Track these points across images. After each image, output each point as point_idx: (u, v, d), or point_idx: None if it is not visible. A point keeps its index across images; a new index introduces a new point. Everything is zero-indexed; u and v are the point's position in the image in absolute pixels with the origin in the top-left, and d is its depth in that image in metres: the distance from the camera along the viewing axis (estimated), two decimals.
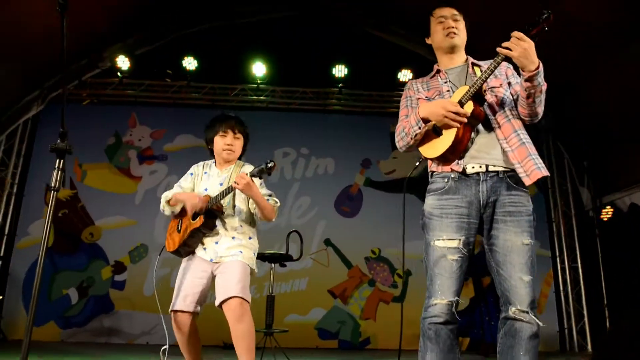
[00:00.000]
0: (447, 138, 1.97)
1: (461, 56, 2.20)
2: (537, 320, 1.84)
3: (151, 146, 6.95)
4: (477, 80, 1.95)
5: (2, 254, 6.37)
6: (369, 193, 6.84)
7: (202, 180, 2.71)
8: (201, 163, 2.82)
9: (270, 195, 2.63)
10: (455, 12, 2.16)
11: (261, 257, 4.04)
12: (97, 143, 6.89)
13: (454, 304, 1.91)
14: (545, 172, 1.93)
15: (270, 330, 3.89)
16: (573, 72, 5.69)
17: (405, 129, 2.10)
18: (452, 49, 2.16)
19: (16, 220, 6.57)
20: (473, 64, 2.14)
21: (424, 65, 6.68)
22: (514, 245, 1.89)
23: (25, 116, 6.51)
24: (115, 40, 6.69)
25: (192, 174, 2.77)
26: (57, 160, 2.02)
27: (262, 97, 7.08)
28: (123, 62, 6.71)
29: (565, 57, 5.52)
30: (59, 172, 2.03)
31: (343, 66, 6.82)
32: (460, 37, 2.15)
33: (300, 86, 7.07)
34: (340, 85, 6.95)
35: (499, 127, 2.00)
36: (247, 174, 2.42)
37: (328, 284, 6.45)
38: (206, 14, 6.84)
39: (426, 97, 2.16)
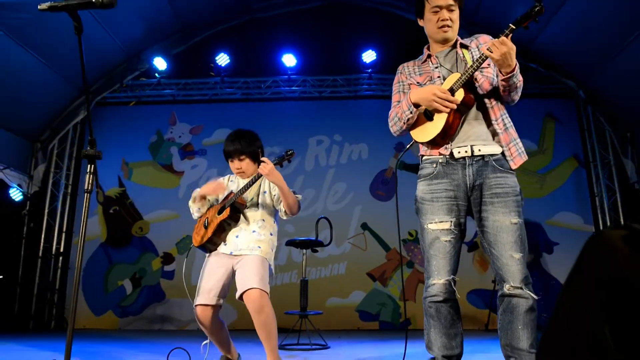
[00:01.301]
0: (437, 123, 2.06)
1: (451, 42, 2.23)
2: (532, 295, 1.92)
3: (191, 142, 7.24)
4: (469, 68, 2.01)
5: (62, 250, 6.87)
6: (404, 176, 6.87)
7: (229, 188, 2.83)
8: (227, 175, 2.95)
9: (292, 192, 2.71)
10: (452, 1, 2.13)
11: (292, 243, 4.20)
12: (141, 142, 7.25)
13: (451, 282, 2.02)
14: (525, 158, 2.08)
15: (304, 313, 4.05)
16: (612, 40, 5.50)
17: (398, 114, 2.19)
18: (445, 41, 2.21)
19: (72, 218, 7.06)
20: (462, 45, 2.19)
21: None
22: (503, 224, 1.97)
23: (74, 121, 6.96)
24: (151, 42, 7.00)
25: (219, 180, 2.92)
26: (89, 166, 2.19)
27: (293, 88, 7.22)
28: (160, 63, 7.03)
29: (606, 25, 5.36)
30: (90, 176, 2.21)
31: (372, 52, 6.86)
32: (454, 28, 2.18)
33: (330, 74, 7.16)
34: (369, 70, 6.99)
35: (491, 108, 2.08)
36: (271, 162, 2.54)
37: (367, 267, 6.57)
38: (234, 10, 7.04)
39: (417, 82, 2.23)
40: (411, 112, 2.12)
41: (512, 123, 2.14)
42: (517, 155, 2.07)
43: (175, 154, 7.22)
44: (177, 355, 3.00)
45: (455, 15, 2.17)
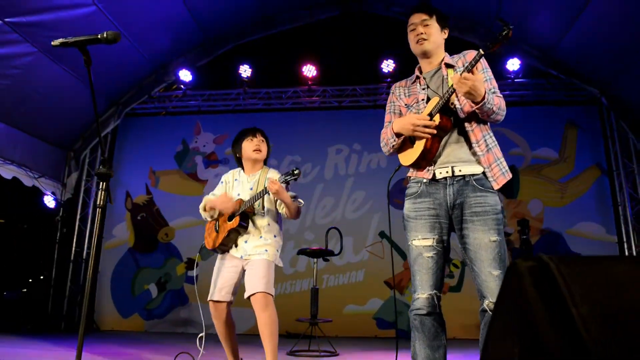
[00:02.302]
0: (417, 148, 2.16)
1: (438, 57, 2.30)
2: None
3: (214, 151, 7.48)
4: (444, 93, 2.10)
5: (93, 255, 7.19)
6: None
7: (234, 187, 3.03)
8: (230, 172, 3.15)
9: (295, 197, 2.91)
10: (425, 16, 2.22)
11: (304, 252, 4.33)
12: (167, 151, 7.54)
13: (434, 297, 2.10)
14: (508, 177, 2.14)
15: (314, 320, 4.17)
16: (635, 46, 5.42)
17: (385, 139, 2.30)
18: (424, 54, 2.30)
19: (102, 224, 7.40)
20: (447, 65, 2.27)
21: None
22: (482, 242, 2.04)
23: (104, 131, 7.30)
24: (177, 55, 7.28)
25: (222, 182, 3.11)
26: (101, 183, 2.37)
27: (313, 98, 7.37)
28: (185, 75, 7.30)
29: (629, 30, 5.29)
30: (102, 192, 2.38)
31: (391, 61, 6.94)
32: (431, 41, 2.24)
33: (349, 84, 7.27)
34: (389, 80, 7.07)
35: (472, 130, 2.15)
36: (277, 180, 2.71)
37: (384, 275, 6.63)
38: (257, 23, 7.25)
39: (405, 104, 2.33)
40: (394, 140, 2.25)
41: (496, 142, 2.20)
42: (500, 175, 2.13)
43: (200, 162, 7.48)
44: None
45: (432, 29, 2.24)
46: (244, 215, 2.86)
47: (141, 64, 7.03)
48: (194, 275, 6.51)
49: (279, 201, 2.90)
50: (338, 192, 7.07)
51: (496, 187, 2.11)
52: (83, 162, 7.37)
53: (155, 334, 6.47)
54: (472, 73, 2.03)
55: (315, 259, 4.48)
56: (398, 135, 2.24)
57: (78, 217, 7.22)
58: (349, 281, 6.69)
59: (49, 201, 6.82)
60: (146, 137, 7.63)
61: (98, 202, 2.47)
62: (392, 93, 2.45)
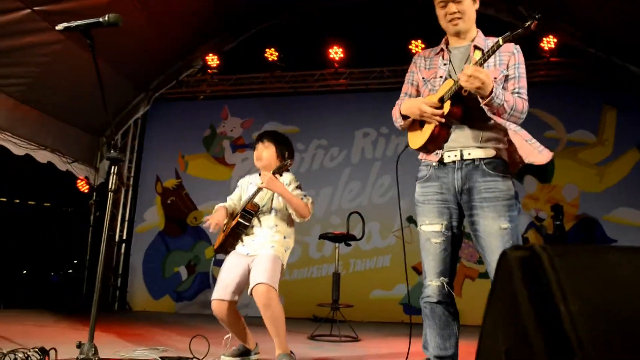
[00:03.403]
0: (425, 133, 2.06)
1: (469, 34, 2.17)
2: None
3: (242, 135, 7.51)
4: (454, 83, 1.98)
5: (124, 237, 7.40)
6: None
7: (248, 190, 2.99)
8: (247, 176, 3.10)
9: (304, 195, 2.82)
10: None
11: (325, 237, 4.30)
12: (195, 136, 7.62)
13: (444, 284, 2.02)
14: (547, 155, 1.92)
15: (336, 305, 4.15)
16: None
17: (394, 117, 2.21)
18: (457, 34, 2.18)
19: (134, 208, 7.57)
20: (476, 47, 2.13)
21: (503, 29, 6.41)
22: (492, 230, 1.94)
23: (134, 116, 7.43)
24: (202, 41, 7.30)
25: (239, 186, 3.08)
26: (112, 167, 2.39)
27: (340, 81, 7.27)
28: (212, 60, 7.32)
29: None
30: (114, 176, 2.40)
31: (419, 41, 6.75)
32: (465, 19, 2.11)
33: (377, 66, 7.12)
34: None
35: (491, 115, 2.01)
36: (270, 173, 2.67)
37: (411, 260, 6.52)
38: (282, 5, 7.17)
39: (423, 77, 2.22)
40: (402, 121, 2.18)
41: (519, 129, 2.05)
42: (537, 152, 1.94)
43: (227, 147, 7.52)
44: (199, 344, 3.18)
45: (465, 5, 2.09)
46: (246, 214, 2.80)
47: (169, 50, 7.08)
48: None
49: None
50: (365, 176, 6.98)
51: (540, 160, 1.92)
52: (115, 147, 7.53)
53: (185, 315, 6.61)
54: (481, 66, 1.92)
55: (337, 244, 4.44)
56: (405, 117, 2.15)
57: (110, 201, 7.39)
58: (376, 266, 6.63)
59: (82, 186, 7.02)
60: (175, 122, 7.72)
61: (110, 186, 2.50)
62: (414, 62, 2.33)
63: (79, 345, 2.29)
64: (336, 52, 7.08)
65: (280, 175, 2.73)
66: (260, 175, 2.93)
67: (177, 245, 7.27)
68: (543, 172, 6.34)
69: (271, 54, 7.27)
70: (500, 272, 0.95)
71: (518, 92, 2.05)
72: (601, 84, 6.39)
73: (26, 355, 1.60)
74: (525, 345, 0.82)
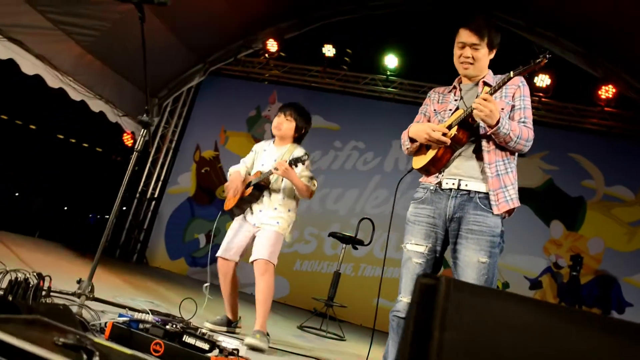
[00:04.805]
0: (429, 154, 2.15)
1: (479, 77, 2.26)
2: None
3: None
4: (468, 108, 2.07)
5: (155, 196, 7.77)
6: None
7: (261, 157, 3.19)
8: (263, 142, 3.30)
9: (311, 178, 3.04)
10: (476, 39, 2.15)
11: (335, 236, 4.43)
12: (240, 114, 7.88)
13: None
14: (512, 205, 2.08)
15: (330, 303, 4.28)
16: None
17: (402, 141, 2.33)
18: (466, 77, 2.28)
19: (170, 170, 7.93)
20: (485, 83, 2.22)
21: (568, 69, 6.28)
22: (471, 261, 2.02)
23: (188, 84, 7.76)
24: (268, 24, 7.51)
25: (253, 151, 3.27)
26: (143, 130, 2.60)
27: (389, 89, 7.33)
28: (272, 45, 7.53)
29: None
30: (142, 139, 2.61)
31: None
32: (476, 66, 2.20)
33: (428, 81, 7.14)
34: None
35: (488, 151, 2.11)
36: (286, 161, 2.83)
37: None
38: (350, 3, 7.28)
39: (435, 109, 2.33)
40: (410, 145, 2.31)
41: (511, 170, 2.14)
42: (503, 202, 2.08)
43: (268, 131, 7.73)
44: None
45: (481, 53, 2.18)
46: (258, 186, 3.01)
47: (234, 28, 7.33)
48: None
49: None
50: (393, 186, 7.01)
51: (496, 212, 2.07)
52: (164, 109, 7.90)
53: (194, 281, 6.90)
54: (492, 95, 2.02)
55: (345, 245, 4.56)
56: (413, 140, 2.26)
57: (150, 159, 7.80)
58: (385, 275, 6.66)
59: (127, 139, 7.42)
60: (224, 97, 8.01)
61: (136, 147, 2.71)
62: (428, 96, 2.47)
63: (79, 281, 2.53)
64: (391, 60, 7.14)
65: (296, 166, 2.90)
66: (274, 143, 3.21)
67: (202, 213, 7.58)
68: (572, 219, 6.21)
69: (328, 50, 7.41)
70: (412, 297, 1.06)
71: (524, 122, 2.14)
72: None
73: (26, 276, 1.82)
74: None
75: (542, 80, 6.53)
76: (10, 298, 1.73)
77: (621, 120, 6.34)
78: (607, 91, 6.23)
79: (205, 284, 3.16)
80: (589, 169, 6.30)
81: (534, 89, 6.64)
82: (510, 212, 2.11)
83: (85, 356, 1.07)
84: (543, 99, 6.56)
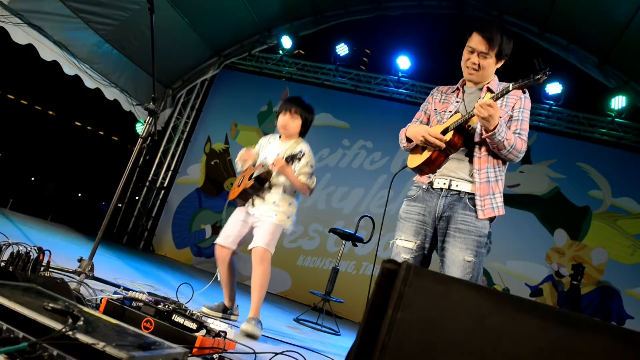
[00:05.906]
0: (424, 156, 2.21)
1: (483, 82, 2.29)
2: None
3: None
4: (466, 114, 2.11)
5: (165, 185, 7.90)
6: None
7: (266, 150, 3.25)
8: (270, 135, 3.36)
9: (311, 175, 3.09)
10: (486, 48, 2.17)
11: (335, 232, 4.49)
12: (252, 108, 7.97)
13: None
14: (497, 213, 2.13)
15: (326, 297, 4.33)
16: None
17: (400, 138, 2.38)
18: (469, 81, 2.31)
19: (180, 161, 8.05)
20: (488, 89, 2.25)
21: (580, 78, 6.26)
22: (457, 259, 2.07)
23: (202, 77, 7.86)
24: (283, 21, 7.59)
25: (259, 144, 3.34)
26: (149, 118, 2.68)
27: (400, 90, 7.36)
28: (286, 42, 7.61)
29: None
30: (148, 126, 2.69)
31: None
32: (481, 73, 2.23)
33: (440, 85, 7.13)
34: None
35: (479, 157, 2.16)
36: (282, 158, 2.89)
37: None
38: (365, 4, 7.32)
39: (435, 109, 2.38)
40: (406, 144, 2.38)
41: (500, 178, 2.18)
42: (489, 209, 2.12)
43: None
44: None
45: (487, 62, 2.20)
46: (259, 179, 3.07)
47: (249, 23, 7.42)
48: None
49: (297, 173, 3.08)
50: (399, 187, 7.06)
51: (481, 216, 2.11)
52: (178, 100, 8.01)
53: (198, 270, 7.01)
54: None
55: (344, 242, 4.61)
56: (409, 140, 2.31)
57: (161, 149, 7.93)
58: None
59: (140, 128, 7.55)
60: (237, 91, 8.11)
61: (142, 134, 2.80)
62: (431, 94, 2.52)
63: (80, 260, 2.62)
64: (403, 61, 7.17)
65: (292, 163, 2.95)
66: (280, 137, 3.25)
67: (209, 204, 7.69)
68: (576, 229, 6.19)
69: (342, 49, 7.47)
70: (377, 280, 1.12)
71: (519, 133, 2.17)
72: None
73: (27, 249, 1.91)
74: (359, 345, 0.99)
75: (554, 88, 6.52)
76: (11, 269, 1.82)
77: (631, 132, 6.30)
78: (618, 102, 6.20)
79: (218, 271, 3.25)
80: (596, 179, 6.27)
81: (544, 97, 6.64)
82: (493, 218, 2.16)
83: (70, 320, 1.14)
84: (553, 107, 6.55)
